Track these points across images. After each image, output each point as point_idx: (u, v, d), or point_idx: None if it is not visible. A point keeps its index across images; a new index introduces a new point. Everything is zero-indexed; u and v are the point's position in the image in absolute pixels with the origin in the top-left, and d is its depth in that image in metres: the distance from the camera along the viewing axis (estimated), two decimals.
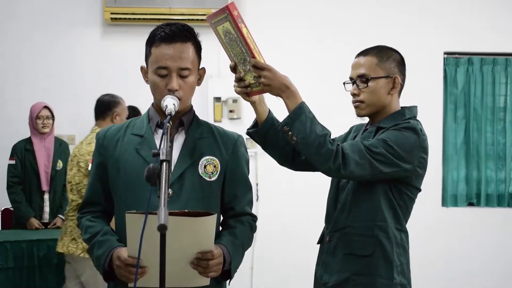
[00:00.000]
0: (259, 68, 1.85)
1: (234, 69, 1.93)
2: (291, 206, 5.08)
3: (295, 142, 1.90)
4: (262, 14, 5.22)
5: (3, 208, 4.73)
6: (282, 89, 1.89)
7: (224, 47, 1.90)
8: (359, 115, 2.17)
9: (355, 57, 2.17)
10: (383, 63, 2.10)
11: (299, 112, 1.88)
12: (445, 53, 5.33)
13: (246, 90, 1.94)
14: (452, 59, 5.34)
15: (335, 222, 2.12)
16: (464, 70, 5.33)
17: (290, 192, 5.07)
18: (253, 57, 1.83)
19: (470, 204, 5.36)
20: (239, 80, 1.94)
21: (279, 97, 1.92)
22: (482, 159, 5.29)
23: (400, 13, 5.27)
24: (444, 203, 5.32)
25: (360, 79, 2.10)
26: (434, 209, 5.27)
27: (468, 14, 5.29)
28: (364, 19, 5.23)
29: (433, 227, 5.22)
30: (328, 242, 2.15)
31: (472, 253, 5.25)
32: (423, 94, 5.21)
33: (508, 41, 5.31)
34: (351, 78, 2.15)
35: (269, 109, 2.05)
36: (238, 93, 1.97)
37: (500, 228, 5.27)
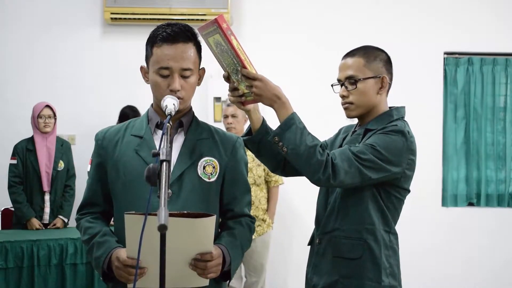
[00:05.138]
0: (250, 78, 1.86)
1: (227, 79, 1.93)
2: (288, 205, 5.08)
3: (285, 152, 1.91)
4: (262, 15, 5.23)
5: (3, 208, 4.73)
6: (273, 99, 1.89)
7: (217, 57, 1.91)
8: (349, 117, 2.17)
9: (342, 59, 2.16)
10: (371, 64, 2.10)
11: (290, 123, 1.89)
12: (445, 53, 5.33)
13: (240, 99, 1.95)
14: (452, 59, 5.34)
15: (325, 225, 2.13)
16: (464, 70, 5.33)
17: (289, 192, 5.06)
18: (244, 67, 1.84)
19: (470, 204, 5.36)
20: (233, 89, 1.95)
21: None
22: (482, 159, 5.29)
23: (400, 13, 5.27)
24: (444, 203, 5.32)
25: (348, 81, 2.10)
26: (434, 209, 5.27)
27: (468, 14, 5.29)
28: (364, 19, 5.24)
29: (433, 227, 5.23)
30: (318, 244, 2.16)
31: (472, 253, 5.25)
32: (423, 94, 5.22)
33: (508, 41, 5.31)
34: (339, 80, 2.15)
35: (263, 118, 2.06)
36: (232, 102, 1.97)
37: (500, 228, 5.27)
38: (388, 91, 2.17)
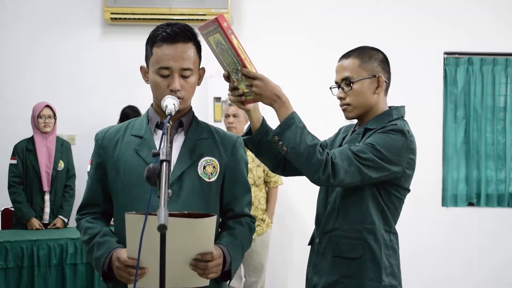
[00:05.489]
0: (250, 77, 1.85)
1: (227, 78, 1.93)
2: (288, 205, 5.08)
3: (285, 152, 1.91)
4: (262, 15, 5.23)
5: (3, 208, 4.73)
6: (273, 98, 1.89)
7: (217, 57, 1.91)
8: (347, 118, 2.17)
9: (338, 61, 2.17)
10: (366, 64, 2.10)
11: (290, 122, 1.89)
12: (445, 53, 5.33)
13: (240, 99, 1.95)
14: (452, 59, 5.34)
15: (325, 225, 2.14)
16: (464, 70, 5.33)
17: (288, 192, 5.07)
18: (244, 66, 1.84)
19: (470, 204, 5.35)
20: (233, 89, 1.94)
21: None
22: (482, 159, 5.29)
23: (400, 13, 5.27)
24: (444, 203, 5.32)
25: (344, 82, 2.11)
26: (434, 209, 5.27)
27: (468, 14, 5.29)
28: (364, 19, 5.23)
29: (433, 227, 5.22)
30: (318, 243, 2.16)
31: (472, 253, 5.25)
32: (423, 94, 5.22)
33: (508, 41, 5.31)
34: (336, 82, 2.16)
35: (263, 117, 2.06)
36: (232, 101, 1.97)
37: (500, 228, 5.27)
38: (387, 90, 2.17)
